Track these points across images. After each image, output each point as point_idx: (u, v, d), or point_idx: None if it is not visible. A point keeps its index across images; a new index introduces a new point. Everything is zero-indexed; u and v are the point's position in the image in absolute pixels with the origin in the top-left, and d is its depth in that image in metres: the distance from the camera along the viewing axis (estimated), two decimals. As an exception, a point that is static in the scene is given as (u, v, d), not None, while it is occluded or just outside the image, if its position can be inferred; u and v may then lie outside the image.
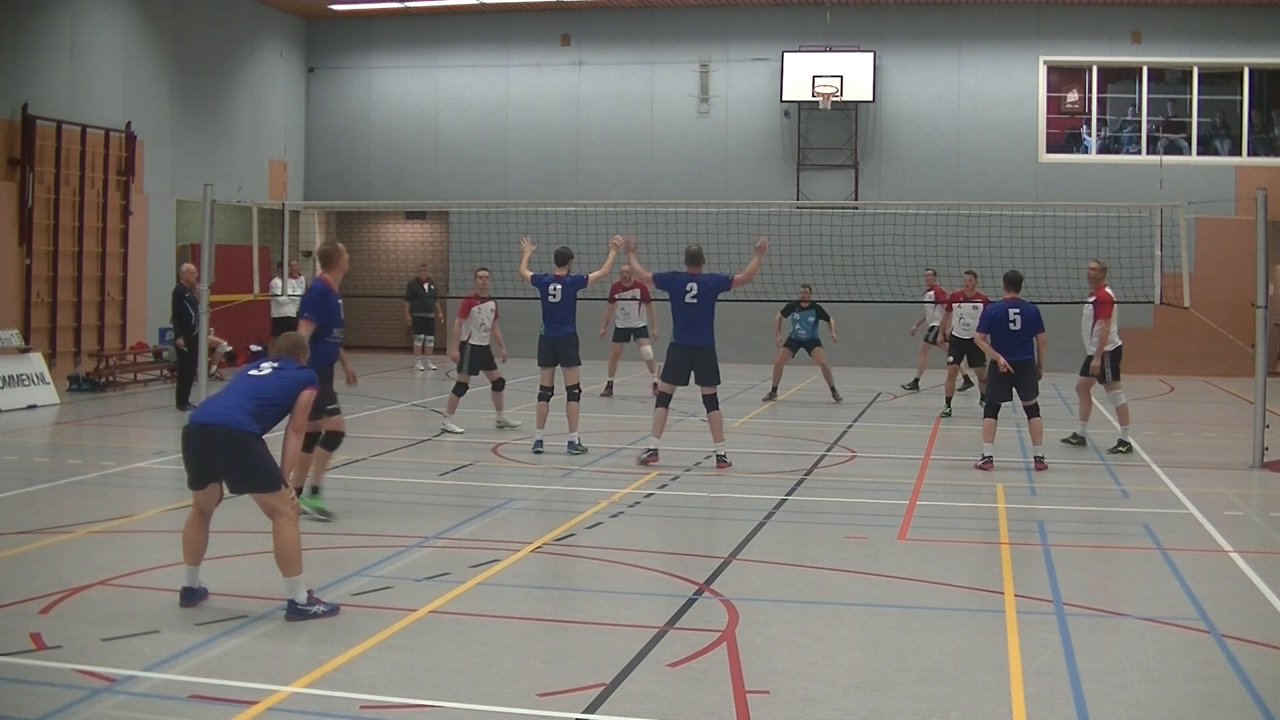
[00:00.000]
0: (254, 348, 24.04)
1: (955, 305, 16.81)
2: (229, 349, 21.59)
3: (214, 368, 19.22)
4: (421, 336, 23.45)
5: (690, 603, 7.41)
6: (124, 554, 8.48)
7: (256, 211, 17.44)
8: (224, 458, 7.06)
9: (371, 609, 7.16)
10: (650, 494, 10.98)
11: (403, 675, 6.07)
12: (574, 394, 13.21)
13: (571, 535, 9.24)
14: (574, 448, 12.97)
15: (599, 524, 9.67)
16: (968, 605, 7.57)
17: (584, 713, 5.56)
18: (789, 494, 11.12)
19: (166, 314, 17.61)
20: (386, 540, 8.90)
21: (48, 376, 17.72)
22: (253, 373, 7.54)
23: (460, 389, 14.85)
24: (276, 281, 20.40)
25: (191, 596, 7.20)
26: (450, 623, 7.00)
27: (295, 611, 6.92)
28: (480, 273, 15.45)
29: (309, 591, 7.02)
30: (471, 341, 14.82)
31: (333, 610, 7.01)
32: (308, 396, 7.52)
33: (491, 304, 15.09)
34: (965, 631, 7.01)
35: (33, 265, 19.08)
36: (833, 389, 18.28)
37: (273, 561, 7.04)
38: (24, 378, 17.19)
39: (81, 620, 6.83)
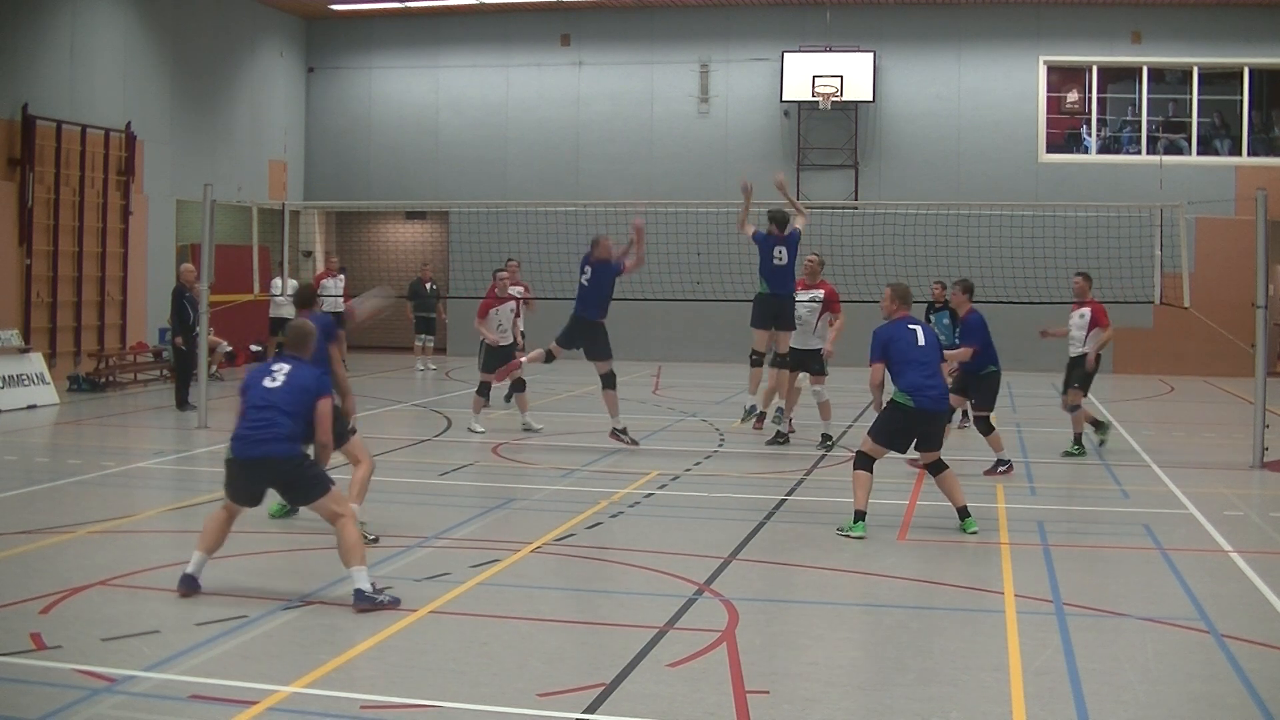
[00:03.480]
0: (254, 348, 24.05)
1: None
2: (229, 349, 21.60)
3: (214, 368, 19.23)
4: (423, 337, 23.44)
5: (690, 603, 7.41)
6: (124, 554, 8.48)
7: (256, 211, 17.46)
8: (277, 484, 7.49)
9: (371, 609, 7.15)
10: (650, 494, 10.98)
11: (403, 675, 6.06)
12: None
13: (571, 535, 9.24)
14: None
15: (599, 524, 9.67)
16: (968, 605, 7.57)
17: (584, 713, 5.56)
18: (789, 494, 11.12)
19: (166, 314, 17.62)
20: (386, 540, 8.90)
21: (48, 376, 17.72)
22: (268, 383, 7.55)
23: (484, 389, 14.76)
24: (277, 281, 20.42)
25: (190, 584, 7.31)
26: (450, 623, 7.00)
27: (363, 599, 7.10)
28: (504, 269, 15.34)
29: (373, 582, 7.20)
30: (491, 342, 14.84)
31: (396, 602, 7.15)
32: (324, 407, 7.58)
33: (511, 303, 15.03)
34: (965, 631, 7.01)
35: (33, 265, 19.08)
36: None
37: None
38: (24, 378, 17.19)
39: (81, 620, 6.83)
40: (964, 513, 9.48)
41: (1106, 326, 13.56)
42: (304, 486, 7.42)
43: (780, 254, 13.57)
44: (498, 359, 14.72)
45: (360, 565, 7.18)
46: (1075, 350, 13.65)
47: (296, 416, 7.46)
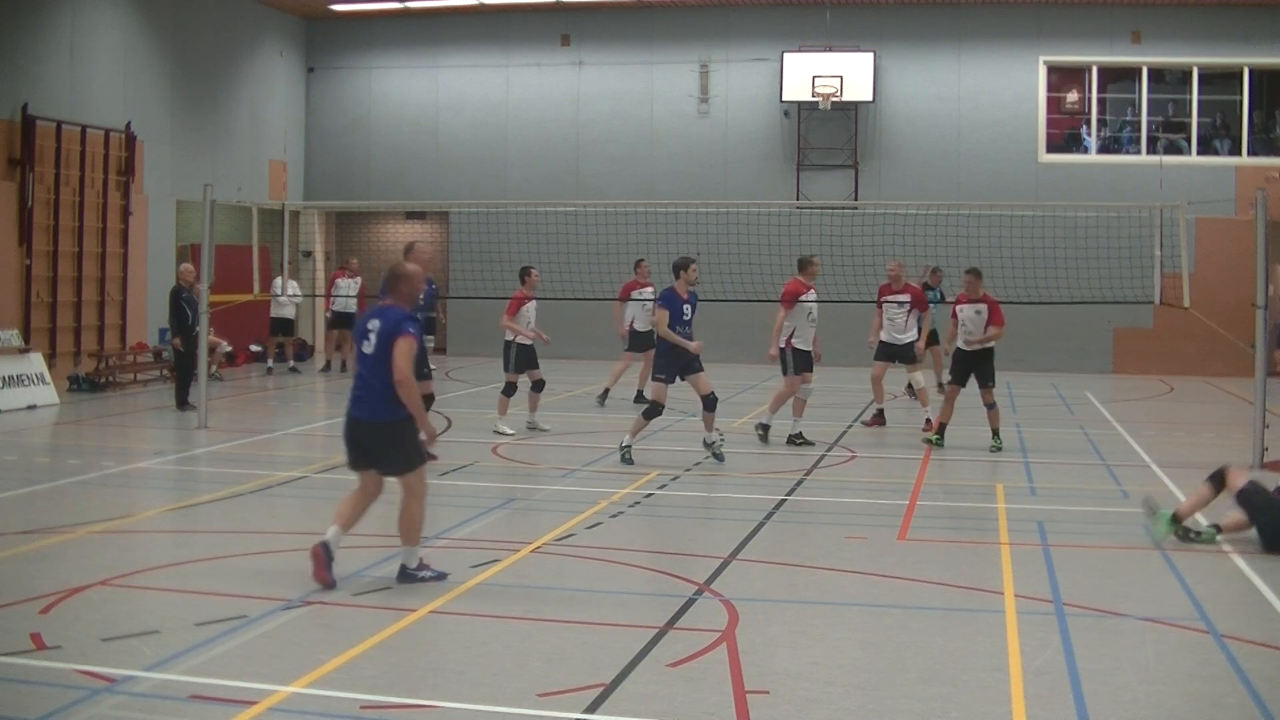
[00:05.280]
0: (254, 348, 24.06)
1: (958, 308, 15.70)
2: (229, 349, 21.61)
3: (214, 368, 19.24)
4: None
5: (690, 603, 7.41)
6: (124, 554, 8.48)
7: (256, 211, 17.46)
8: (376, 446, 7.66)
9: (371, 609, 7.16)
10: (650, 494, 10.98)
11: (403, 675, 6.07)
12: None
13: (571, 535, 9.24)
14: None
15: (599, 524, 9.67)
16: (968, 605, 7.57)
17: (584, 713, 5.56)
18: (789, 494, 11.12)
19: (166, 314, 17.62)
20: (386, 540, 8.90)
21: (48, 377, 17.71)
22: (364, 348, 7.64)
23: (509, 389, 14.69)
24: (277, 281, 20.44)
25: (326, 550, 7.59)
26: (450, 623, 7.00)
27: (405, 575, 7.64)
28: (533, 271, 15.39)
29: (420, 559, 7.70)
30: (518, 340, 14.64)
31: (440, 576, 7.68)
32: (402, 345, 7.48)
33: (534, 301, 14.97)
34: (965, 631, 7.01)
35: (33, 265, 19.08)
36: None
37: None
38: (24, 378, 17.19)
39: (81, 620, 6.83)
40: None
41: (1000, 325, 13.68)
42: (396, 454, 7.65)
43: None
44: (526, 359, 14.64)
45: (414, 545, 7.66)
46: (973, 345, 13.69)
47: (387, 377, 7.53)
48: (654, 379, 12.79)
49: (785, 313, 13.75)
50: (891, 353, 15.68)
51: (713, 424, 12.69)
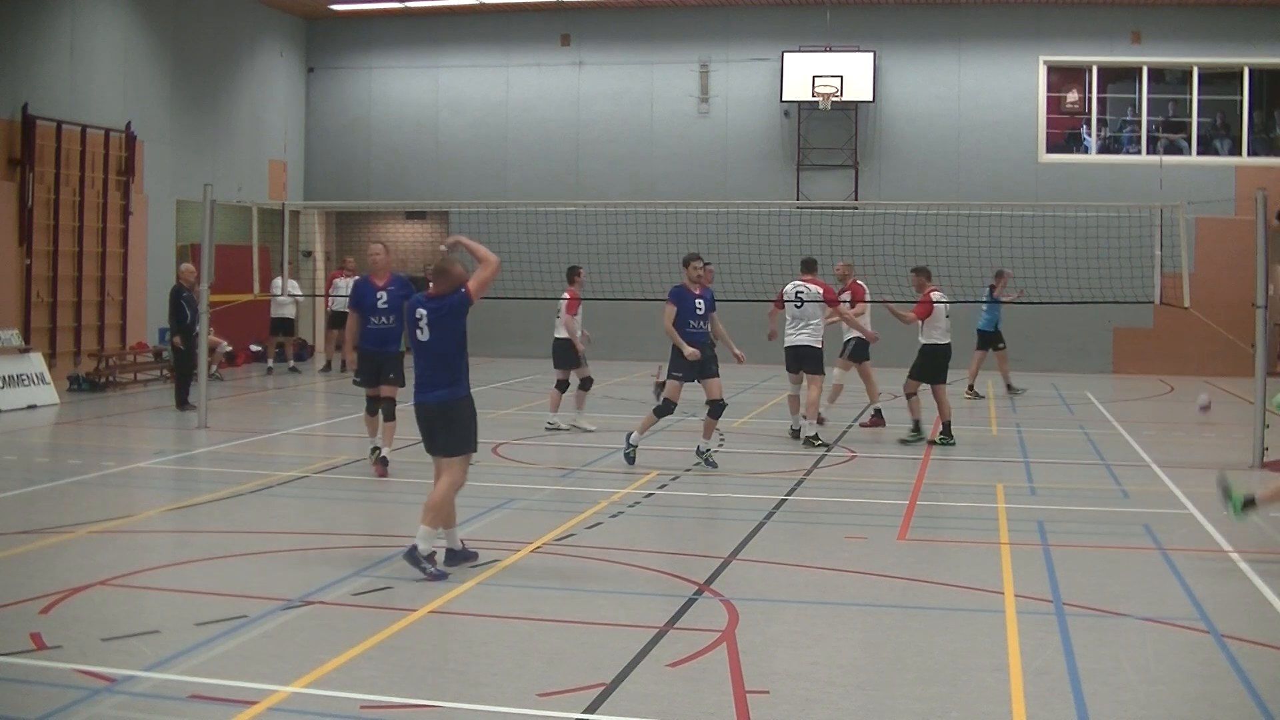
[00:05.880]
0: (254, 348, 24.06)
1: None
2: (229, 349, 21.61)
3: (214, 368, 19.24)
4: None
5: (690, 603, 7.41)
6: (124, 554, 8.48)
7: (256, 211, 17.45)
8: (440, 425, 8.13)
9: (371, 609, 7.16)
10: (650, 494, 10.98)
11: (403, 675, 6.07)
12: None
13: (571, 535, 9.24)
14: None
15: (599, 524, 9.67)
16: (968, 605, 7.57)
17: (584, 713, 5.56)
18: (789, 494, 11.12)
19: (166, 314, 17.62)
20: (386, 540, 8.90)
21: (48, 376, 17.72)
22: (420, 337, 8.12)
23: (587, 383, 15.02)
24: (277, 281, 20.42)
25: (453, 558, 8.06)
26: (450, 623, 7.00)
27: (412, 557, 7.77)
28: (581, 270, 15.43)
29: (433, 552, 7.86)
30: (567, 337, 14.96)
31: (441, 575, 7.79)
32: (469, 291, 8.05)
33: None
34: (965, 631, 7.01)
35: (33, 265, 19.08)
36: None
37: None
38: (24, 378, 17.19)
39: (81, 620, 6.83)
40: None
41: (920, 316, 14.14)
42: (454, 434, 8.12)
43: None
44: (572, 356, 14.87)
45: (429, 527, 7.81)
46: (936, 339, 14.20)
47: (455, 355, 8.13)
48: (670, 377, 12.65)
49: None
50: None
51: (712, 430, 12.57)
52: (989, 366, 19.72)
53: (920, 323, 14.17)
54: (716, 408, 12.38)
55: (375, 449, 11.87)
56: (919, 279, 14.41)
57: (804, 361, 14.01)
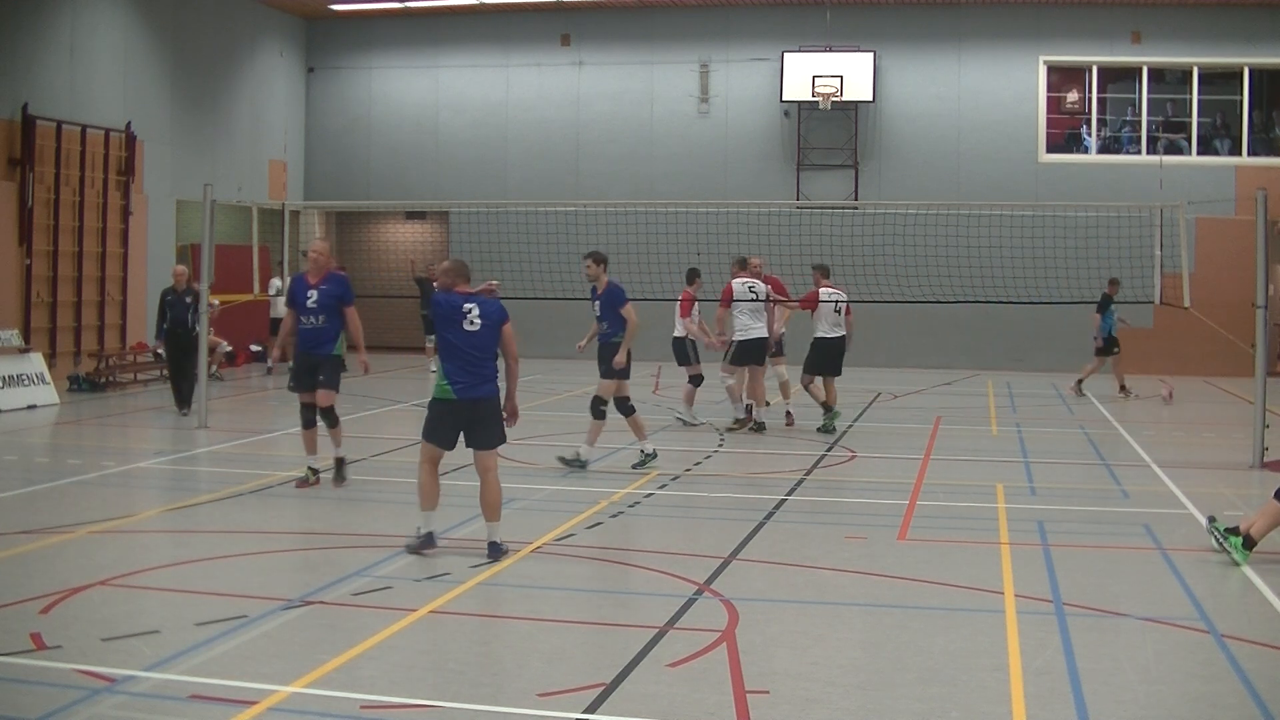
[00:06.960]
0: (254, 347, 24.05)
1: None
2: (229, 349, 21.61)
3: (214, 368, 19.25)
4: (432, 336, 23.30)
5: (690, 603, 7.41)
6: (124, 554, 8.48)
7: (256, 211, 17.46)
8: (488, 419, 8.46)
9: (371, 609, 7.16)
10: (650, 494, 10.98)
11: (403, 675, 6.07)
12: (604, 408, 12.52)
13: (571, 535, 9.24)
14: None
15: (599, 524, 9.67)
16: (968, 605, 7.57)
17: (584, 713, 5.56)
18: (789, 494, 11.12)
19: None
20: (386, 540, 8.90)
21: (48, 376, 17.72)
22: (469, 328, 8.41)
23: (697, 380, 15.46)
24: (276, 281, 20.42)
25: (429, 541, 8.44)
26: (450, 623, 7.00)
27: (497, 550, 8.34)
28: (700, 273, 15.73)
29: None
30: (689, 337, 15.43)
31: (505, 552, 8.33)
32: (509, 331, 8.60)
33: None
34: (965, 631, 7.01)
35: (33, 265, 19.08)
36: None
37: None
38: (24, 378, 17.19)
39: (81, 620, 6.83)
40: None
41: (807, 306, 15.08)
42: (493, 429, 8.48)
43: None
44: (688, 353, 15.45)
45: (497, 522, 8.41)
46: (824, 332, 15.01)
47: (492, 350, 8.50)
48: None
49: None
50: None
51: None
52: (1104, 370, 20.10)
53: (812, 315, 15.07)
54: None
55: (311, 469, 11.18)
56: (816, 274, 15.36)
57: (757, 353, 14.91)
